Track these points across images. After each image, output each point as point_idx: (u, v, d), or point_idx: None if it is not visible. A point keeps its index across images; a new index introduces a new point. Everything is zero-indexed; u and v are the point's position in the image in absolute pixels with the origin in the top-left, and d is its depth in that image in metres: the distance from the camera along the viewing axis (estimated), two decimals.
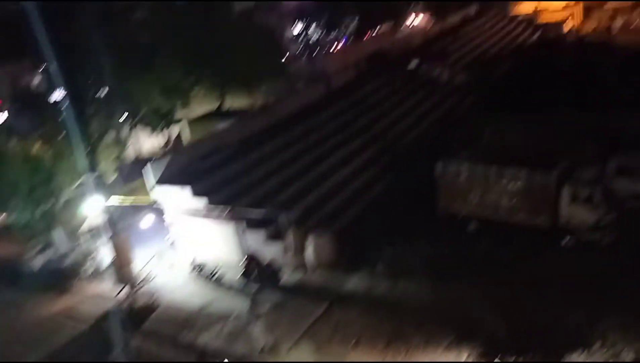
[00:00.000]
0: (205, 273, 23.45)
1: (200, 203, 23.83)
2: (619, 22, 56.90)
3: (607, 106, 29.19)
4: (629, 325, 16.30)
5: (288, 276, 22.31)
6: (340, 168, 28.24)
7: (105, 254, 24.81)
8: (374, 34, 53.09)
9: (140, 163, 29.59)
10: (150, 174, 25.12)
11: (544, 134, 25.24)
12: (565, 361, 15.52)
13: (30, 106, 30.97)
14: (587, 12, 62.49)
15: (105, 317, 21.68)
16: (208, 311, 21.09)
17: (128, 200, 26.48)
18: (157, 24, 39.58)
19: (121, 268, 23.66)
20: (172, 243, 25.33)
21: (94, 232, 26.02)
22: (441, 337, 17.27)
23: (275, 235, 22.84)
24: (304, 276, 22.30)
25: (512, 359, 15.86)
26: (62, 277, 24.81)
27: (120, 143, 32.84)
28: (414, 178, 27.14)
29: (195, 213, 24.00)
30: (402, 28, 56.31)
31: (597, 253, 20.06)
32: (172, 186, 24.47)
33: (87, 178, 24.44)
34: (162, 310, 21.84)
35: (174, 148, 34.01)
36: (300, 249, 22.54)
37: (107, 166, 30.88)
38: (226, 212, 23.02)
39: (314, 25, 58.02)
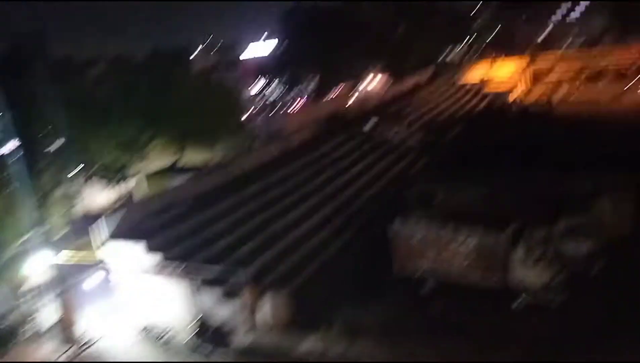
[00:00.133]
0: (155, 334, 22.55)
1: (153, 259, 23.21)
2: (561, 93, 60.60)
3: (554, 169, 30.55)
4: None
5: (242, 337, 21.71)
6: (296, 226, 28.21)
7: (49, 314, 23.58)
8: (332, 94, 54.59)
9: (92, 217, 28.73)
10: (102, 230, 24.44)
11: (495, 194, 26.01)
12: None
13: None
14: (531, 82, 66.39)
15: None
16: None
17: (77, 256, 25.55)
18: (116, 79, 39.76)
19: (66, 328, 22.52)
20: (122, 302, 24.36)
21: (39, 290, 24.77)
22: None
23: (230, 294, 22.31)
24: (258, 337, 21.74)
25: None
26: (1, 339, 23.32)
27: (72, 197, 31.94)
28: (370, 237, 27.31)
29: (147, 270, 23.31)
30: (360, 89, 58.22)
31: (548, 314, 20.42)
32: (125, 241, 23.81)
33: (35, 233, 23.51)
34: None
35: (127, 202, 33.31)
36: (255, 308, 22.08)
37: (57, 221, 29.84)
38: (179, 269, 22.46)
39: (273, 84, 59.37)
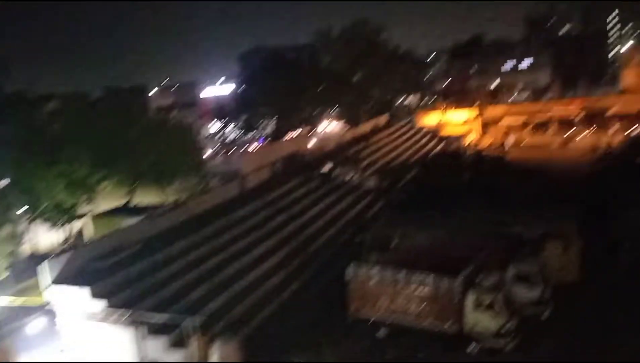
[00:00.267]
0: None
1: (99, 305, 22.19)
2: (511, 139, 62.98)
3: (505, 214, 31.30)
4: None
5: None
6: (250, 270, 27.67)
7: None
8: (290, 136, 54.88)
9: (36, 259, 27.46)
10: (46, 273, 23.33)
11: (449, 239, 26.31)
12: None
13: None
14: (484, 128, 68.85)
15: None
16: None
17: (18, 300, 24.27)
18: (69, 116, 38.83)
19: None
20: (65, 350, 23.05)
21: None
22: None
23: (178, 342, 21.44)
24: None
25: None
26: None
27: (16, 238, 30.51)
28: (325, 281, 27.05)
29: (92, 317, 22.23)
30: (317, 132, 58.78)
31: (501, 358, 20.48)
32: (69, 286, 22.73)
33: None
34: None
35: (74, 244, 32.05)
36: (204, 357, 21.25)
37: (1, 262, 28.38)
38: (126, 316, 21.52)
39: (231, 124, 59.34)
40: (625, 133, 57.71)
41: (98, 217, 34.42)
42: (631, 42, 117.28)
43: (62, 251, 27.22)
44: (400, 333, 22.47)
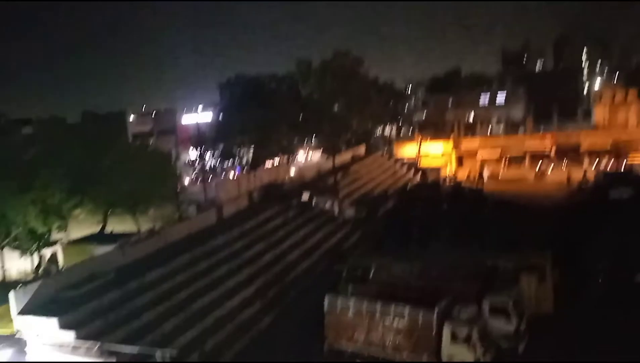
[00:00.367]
0: None
1: (68, 336, 21.53)
2: (488, 171, 63.95)
3: (482, 245, 31.56)
4: None
5: None
6: (226, 300, 27.27)
7: None
8: (269, 165, 54.85)
9: (4, 288, 26.66)
10: (13, 302, 22.63)
11: (426, 270, 26.32)
12: None
13: None
14: (460, 160, 69.86)
15: None
16: None
17: None
18: (45, 141, 38.32)
19: None
20: None
21: None
22: None
23: None
24: None
25: None
26: None
27: None
28: (302, 312, 26.75)
29: (61, 348, 21.53)
30: (296, 161, 58.89)
31: None
32: (38, 316, 22.06)
33: None
34: None
35: (45, 272, 31.22)
36: None
37: None
38: (95, 348, 20.89)
39: (209, 152, 59.09)
40: (599, 168, 59.12)
41: (71, 244, 33.71)
42: (600, 79, 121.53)
43: (33, 280, 26.54)
44: None
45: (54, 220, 30.91)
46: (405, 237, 35.29)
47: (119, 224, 38.46)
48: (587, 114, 72.61)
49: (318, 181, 49.55)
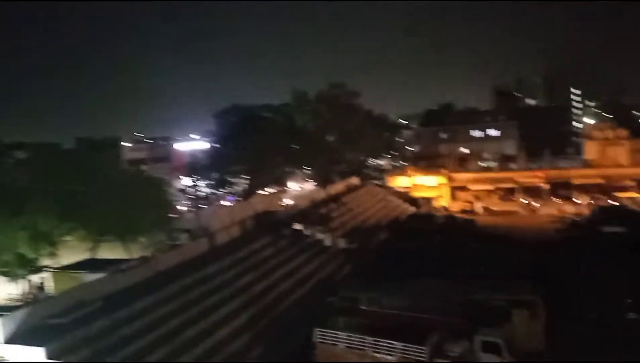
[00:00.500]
0: None
1: None
2: (480, 204, 64.25)
3: (474, 278, 31.46)
4: None
5: None
6: (215, 330, 26.93)
7: None
8: (262, 194, 54.88)
9: None
10: (0, 329, 22.25)
11: (418, 303, 26.21)
12: None
13: None
14: (453, 193, 70.20)
15: None
16: None
17: None
18: (38, 165, 38.28)
19: None
20: None
21: None
22: None
23: None
24: None
25: None
26: None
27: None
28: (292, 343, 26.41)
29: None
30: (290, 191, 58.99)
31: None
32: (23, 346, 21.68)
33: None
34: None
35: (33, 299, 30.80)
36: None
37: None
38: None
39: (204, 180, 59.19)
40: (590, 203, 59.60)
41: (60, 271, 33.34)
42: (590, 118, 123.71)
43: (20, 306, 26.13)
44: None
45: (44, 246, 30.65)
46: (397, 270, 35.15)
47: (109, 251, 38.10)
48: (579, 150, 73.55)
49: (311, 211, 49.52)
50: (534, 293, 26.77)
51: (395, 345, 21.69)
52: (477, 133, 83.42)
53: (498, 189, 67.52)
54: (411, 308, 25.83)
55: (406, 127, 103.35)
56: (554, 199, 63.74)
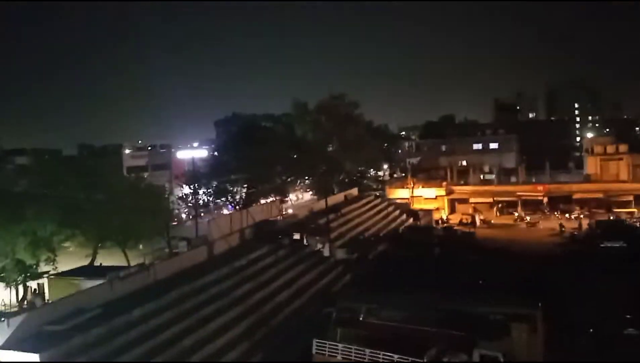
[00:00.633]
0: None
1: None
2: (480, 217, 64.29)
3: (473, 291, 31.41)
4: None
5: None
6: (213, 339, 26.83)
7: None
8: (261, 204, 54.88)
9: None
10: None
11: (416, 315, 26.12)
12: None
13: None
14: (453, 205, 70.29)
15: None
16: None
17: None
18: (39, 171, 38.38)
19: None
20: None
21: None
22: None
23: None
24: None
25: None
26: None
27: None
28: (289, 355, 26.30)
29: None
30: (289, 201, 58.99)
31: None
32: (19, 352, 21.59)
33: None
34: None
35: (30, 305, 30.72)
36: None
37: None
38: None
39: (203, 189, 59.18)
40: (590, 217, 59.62)
41: (59, 277, 33.30)
42: (591, 132, 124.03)
43: (17, 312, 26.09)
44: None
45: (43, 252, 30.68)
46: (396, 281, 35.08)
47: (108, 258, 38.15)
48: (579, 165, 73.78)
49: (310, 221, 49.47)
50: (533, 307, 26.65)
51: (393, 357, 21.59)
52: (477, 146, 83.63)
53: (498, 202, 67.56)
54: (410, 320, 25.72)
55: (406, 138, 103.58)
56: (554, 213, 63.77)
